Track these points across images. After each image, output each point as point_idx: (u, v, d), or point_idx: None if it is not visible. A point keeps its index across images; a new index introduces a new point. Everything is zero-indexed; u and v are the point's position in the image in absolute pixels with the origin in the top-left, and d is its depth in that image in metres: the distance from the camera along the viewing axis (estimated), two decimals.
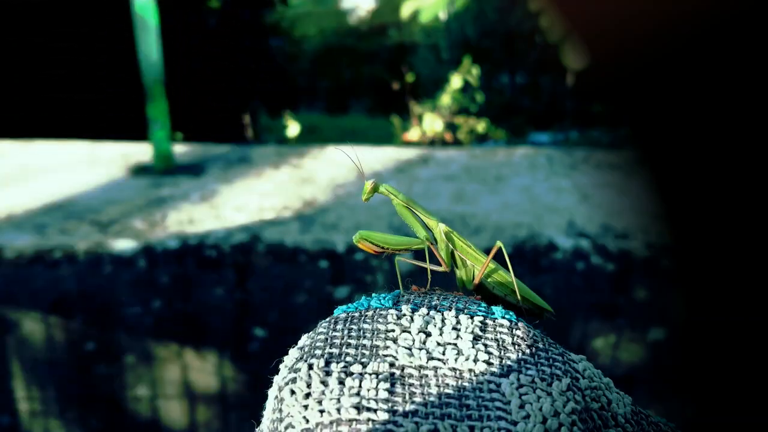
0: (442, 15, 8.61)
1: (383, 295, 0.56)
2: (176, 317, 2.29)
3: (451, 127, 4.29)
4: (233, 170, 2.81)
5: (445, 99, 4.30)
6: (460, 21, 8.78)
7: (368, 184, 0.68)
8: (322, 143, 3.84)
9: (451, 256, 0.66)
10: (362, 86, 10.19)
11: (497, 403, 0.43)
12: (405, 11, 3.78)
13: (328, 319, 0.53)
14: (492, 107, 6.62)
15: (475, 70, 4.55)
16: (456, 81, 4.42)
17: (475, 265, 0.65)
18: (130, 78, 4.10)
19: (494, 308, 0.54)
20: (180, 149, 3.04)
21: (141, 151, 3.00)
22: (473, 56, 5.02)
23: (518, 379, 0.45)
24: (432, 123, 4.10)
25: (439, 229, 0.66)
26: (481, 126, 4.30)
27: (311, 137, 6.27)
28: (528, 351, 0.48)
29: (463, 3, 3.69)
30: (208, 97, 5.03)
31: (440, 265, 0.67)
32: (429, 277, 0.65)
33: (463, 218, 2.31)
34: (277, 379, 0.48)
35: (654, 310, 2.31)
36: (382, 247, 0.65)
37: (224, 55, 5.17)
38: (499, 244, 0.65)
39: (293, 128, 4.72)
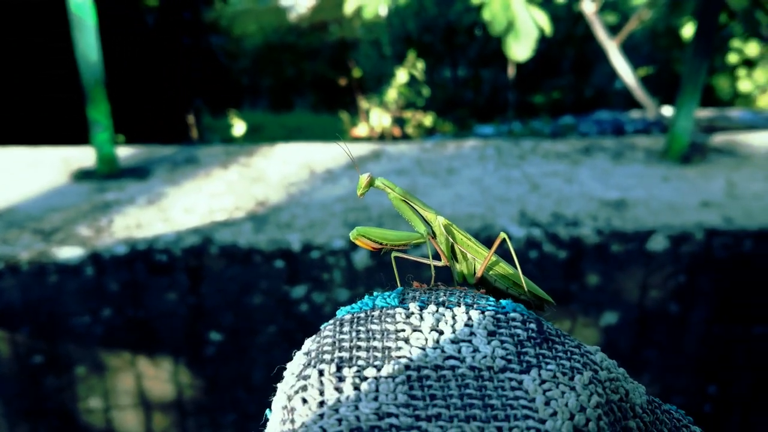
0: (383, 11, 8.60)
1: (387, 293, 0.54)
2: (127, 325, 2.22)
3: (398, 121, 4.29)
4: (180, 171, 2.73)
5: (392, 94, 4.28)
6: (401, 16, 8.78)
7: (363, 178, 0.66)
8: (268, 141, 3.77)
9: (451, 249, 0.65)
10: (305, 83, 10.11)
11: (522, 401, 0.41)
12: (348, 7, 3.75)
13: (331, 322, 0.51)
14: (436, 101, 6.65)
15: (420, 65, 4.56)
16: (402, 75, 4.41)
17: (476, 258, 0.64)
18: (68, 80, 3.96)
19: (503, 302, 0.52)
20: (124, 152, 2.95)
21: (83, 156, 2.90)
22: (415, 51, 5.02)
23: (540, 375, 0.44)
24: (380, 118, 4.08)
25: (438, 222, 0.65)
26: (428, 120, 4.30)
27: (256, 136, 6.18)
28: (545, 345, 0.47)
29: None
30: (149, 98, 4.91)
31: (440, 259, 0.65)
32: (432, 272, 0.63)
33: None
34: (284, 388, 0.45)
35: (605, 295, 2.35)
36: (381, 243, 0.63)
37: (164, 54, 5.04)
38: (503, 235, 0.64)
39: (239, 127, 4.64)
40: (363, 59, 8.52)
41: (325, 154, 2.84)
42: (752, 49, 6.60)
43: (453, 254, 0.65)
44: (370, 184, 0.66)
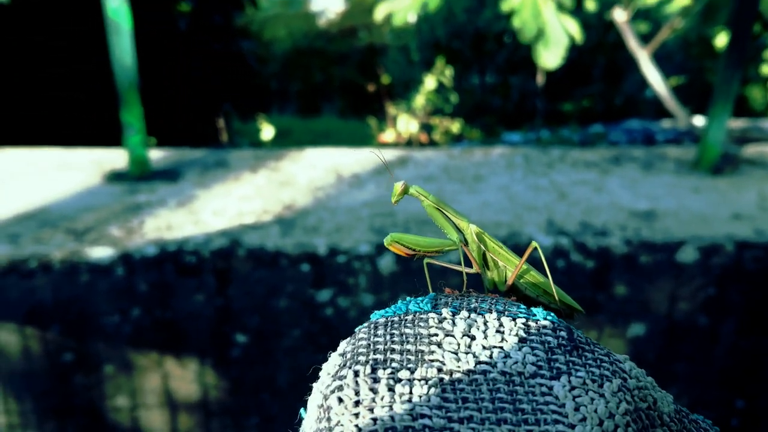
0: (412, 17, 8.62)
1: (420, 298, 0.55)
2: (155, 325, 2.25)
3: (426, 127, 4.29)
4: (210, 175, 2.76)
5: (420, 100, 4.29)
6: (430, 22, 8.79)
7: (398, 186, 0.67)
8: (296, 146, 3.80)
9: (483, 257, 0.66)
10: (334, 88, 10.16)
11: (552, 407, 0.42)
12: (379, 14, 3.76)
13: (366, 325, 0.52)
14: (464, 107, 6.65)
15: (449, 71, 4.56)
16: (430, 82, 4.42)
17: (507, 266, 0.65)
18: (102, 83, 4.03)
19: (535, 310, 0.53)
20: (155, 155, 2.99)
21: (115, 157, 2.95)
22: (444, 57, 5.02)
23: (569, 381, 0.44)
24: (407, 124, 4.09)
25: (471, 230, 0.66)
26: (455, 126, 4.30)
27: (284, 140, 6.22)
28: (575, 352, 0.47)
29: (436, 5, 3.68)
30: (181, 102, 4.97)
31: (471, 266, 0.66)
32: (464, 279, 0.65)
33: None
34: (320, 387, 0.47)
35: (633, 305, 2.33)
36: (414, 250, 0.64)
37: (195, 58, 5.10)
38: (534, 244, 0.65)
39: (268, 131, 4.68)
40: (391, 65, 8.54)
41: (353, 159, 2.85)
42: None
43: (484, 262, 0.66)
44: (405, 191, 0.67)
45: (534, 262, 0.69)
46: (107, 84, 3.17)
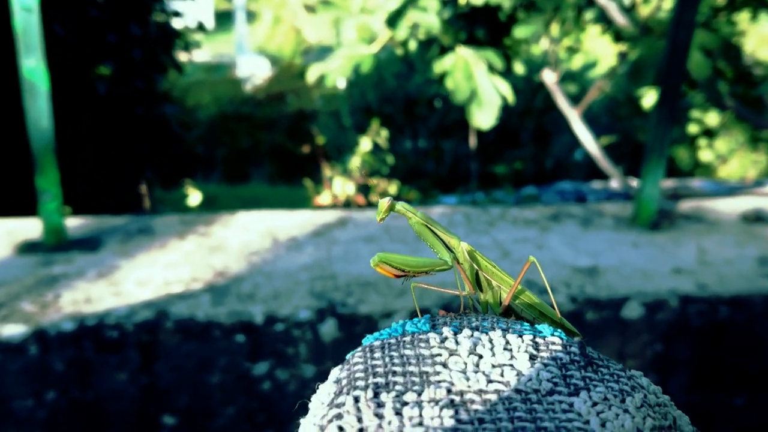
0: (342, 83, 8.77)
1: (416, 319, 0.55)
2: (73, 408, 2.11)
3: (363, 189, 4.32)
4: (133, 242, 2.67)
5: (355, 162, 4.33)
6: (360, 87, 8.98)
7: (384, 203, 0.66)
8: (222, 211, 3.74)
9: (476, 277, 0.64)
10: (262, 154, 10.16)
11: (576, 423, 0.41)
12: (311, 76, 3.81)
13: (360, 349, 0.51)
14: (398, 171, 6.73)
15: (384, 132, 4.63)
16: (365, 143, 4.47)
17: (502, 285, 0.64)
18: (16, 147, 3.89)
19: (540, 326, 0.53)
20: (73, 222, 2.88)
21: (29, 227, 2.82)
22: (378, 119, 5.11)
23: (590, 397, 0.44)
24: (343, 186, 4.11)
25: (462, 248, 0.64)
26: (393, 188, 4.34)
27: (211, 208, 6.13)
28: (589, 368, 0.47)
29: (369, 68, 3.76)
30: (99, 168, 4.85)
31: (464, 287, 0.65)
32: (462, 299, 0.63)
33: (387, 280, 2.27)
34: (312, 420, 0.44)
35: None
36: (404, 270, 0.63)
37: (116, 123, 5.02)
38: (532, 259, 0.64)
39: (195, 197, 4.60)
40: (322, 130, 8.64)
41: (289, 222, 2.82)
42: (712, 118, 6.89)
43: (477, 282, 0.65)
44: (391, 208, 0.66)
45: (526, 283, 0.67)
46: (21, 148, 3.06)
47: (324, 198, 4.25)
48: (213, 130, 10.41)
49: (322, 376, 0.54)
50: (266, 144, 10.28)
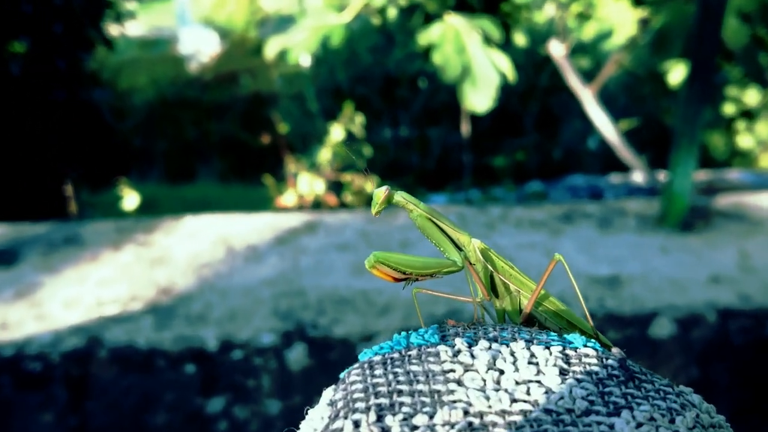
0: (306, 60, 8.75)
1: (422, 330, 0.55)
2: None
3: (334, 187, 4.31)
4: (58, 255, 2.65)
5: (325, 154, 4.33)
6: (329, 65, 8.97)
7: (380, 193, 0.67)
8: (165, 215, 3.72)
9: (490, 280, 0.64)
10: (211, 146, 10.11)
11: None
12: (270, 50, 3.80)
13: (357, 365, 0.51)
14: (376, 165, 6.74)
15: (359, 119, 4.63)
16: (336, 132, 4.47)
17: (521, 290, 0.63)
18: None
19: (570, 336, 0.53)
20: None
21: None
22: (352, 103, 5.11)
23: (633, 417, 0.44)
24: (311, 184, 4.10)
25: (474, 246, 0.64)
26: (370, 185, 4.34)
27: (150, 213, 6.09)
28: (631, 383, 0.48)
29: (339, 42, 3.76)
30: (13, 165, 4.80)
31: (477, 292, 0.64)
32: (475, 307, 0.63)
33: (366, 296, 2.27)
34: None
35: None
36: (405, 273, 0.62)
37: (33, 110, 4.97)
38: (558, 257, 0.63)
39: (131, 199, 4.57)
40: (284, 116, 8.62)
41: (246, 227, 2.81)
42: (752, 97, 6.90)
43: (492, 286, 0.65)
44: (389, 199, 0.67)
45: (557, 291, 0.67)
46: None
47: (288, 198, 4.23)
48: (151, 118, 10.35)
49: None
50: (216, 134, 10.22)
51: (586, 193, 6.26)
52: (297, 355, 2.13)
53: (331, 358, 2.13)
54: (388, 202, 0.67)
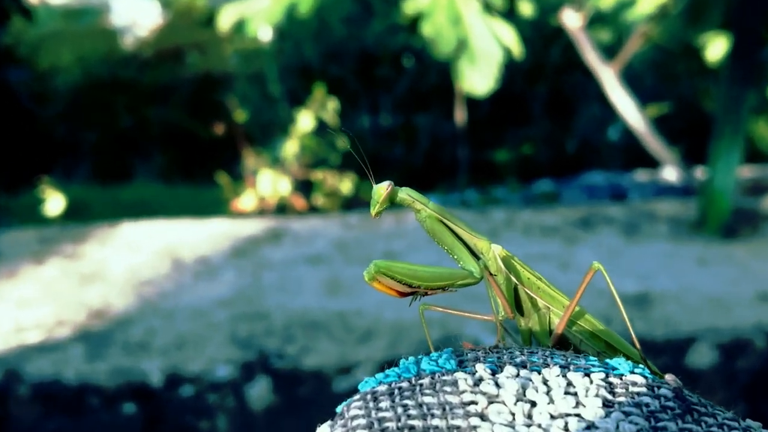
0: (266, 33, 8.73)
1: (435, 354, 0.55)
2: None
3: (302, 187, 4.31)
4: None
5: (291, 147, 4.32)
6: (294, 39, 8.97)
7: (381, 189, 0.66)
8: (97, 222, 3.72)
9: (514, 293, 0.64)
10: (151, 138, 10.09)
11: None
12: (223, 22, 3.80)
13: (358, 397, 0.51)
14: (353, 160, 6.74)
15: (332, 104, 4.63)
16: (305, 120, 4.47)
17: (551, 306, 0.63)
18: None
19: (614, 362, 0.54)
20: None
21: None
22: (324, 85, 5.11)
23: None
24: (274, 183, 4.10)
25: (494, 253, 0.64)
26: (346, 184, 4.34)
27: (80, 218, 6.06)
28: (688, 417, 0.48)
29: (307, 11, 3.76)
30: None
31: (498, 309, 0.64)
32: (498, 327, 0.64)
33: (343, 319, 2.28)
34: None
35: None
36: (411, 286, 0.62)
37: None
38: (596, 266, 0.63)
39: (55, 202, 4.56)
40: (241, 101, 8.60)
41: (197, 236, 2.81)
42: None
43: (516, 302, 0.65)
44: (392, 197, 0.66)
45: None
46: None
47: (247, 201, 4.22)
48: (78, 103, 10.31)
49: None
50: (157, 124, 10.20)
51: (607, 194, 6.30)
52: (259, 391, 2.13)
53: (300, 394, 2.13)
54: (391, 201, 0.66)
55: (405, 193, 0.66)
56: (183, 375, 2.13)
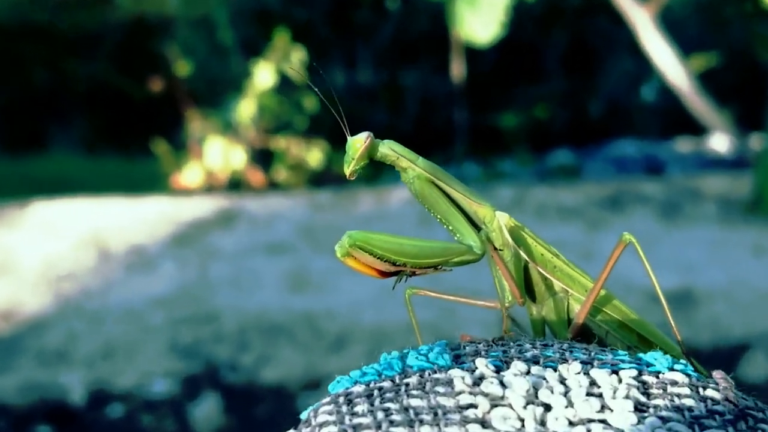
0: None
1: (424, 347, 0.56)
2: None
3: (260, 158, 4.30)
4: None
5: (246, 108, 4.31)
6: None
7: (358, 142, 0.66)
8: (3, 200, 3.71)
9: (524, 273, 0.64)
10: (72, 99, 10.07)
11: None
12: None
13: (327, 400, 0.51)
14: (323, 125, 6.74)
15: (298, 54, 4.63)
16: (264, 75, 4.45)
17: (570, 289, 0.63)
18: None
19: (648, 356, 0.54)
20: None
21: None
22: (287, 31, 5.11)
23: None
24: (226, 153, 4.08)
25: (498, 222, 0.64)
26: (315, 155, 4.33)
27: None
28: (742, 423, 0.48)
29: None
30: None
31: (504, 293, 0.64)
32: (504, 314, 0.63)
33: (310, 321, 2.28)
34: None
35: None
36: (395, 264, 0.62)
37: None
38: (627, 237, 0.64)
39: None
40: (184, 52, 8.60)
41: (128, 218, 2.79)
42: None
43: (527, 283, 0.65)
44: (371, 152, 0.66)
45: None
46: None
47: (191, 175, 4.22)
48: None
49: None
50: (79, 80, 10.18)
51: (640, 167, 6.32)
52: (207, 411, 2.14)
53: (257, 414, 2.13)
54: (370, 158, 0.66)
55: (387, 148, 0.65)
56: (111, 391, 2.13)
